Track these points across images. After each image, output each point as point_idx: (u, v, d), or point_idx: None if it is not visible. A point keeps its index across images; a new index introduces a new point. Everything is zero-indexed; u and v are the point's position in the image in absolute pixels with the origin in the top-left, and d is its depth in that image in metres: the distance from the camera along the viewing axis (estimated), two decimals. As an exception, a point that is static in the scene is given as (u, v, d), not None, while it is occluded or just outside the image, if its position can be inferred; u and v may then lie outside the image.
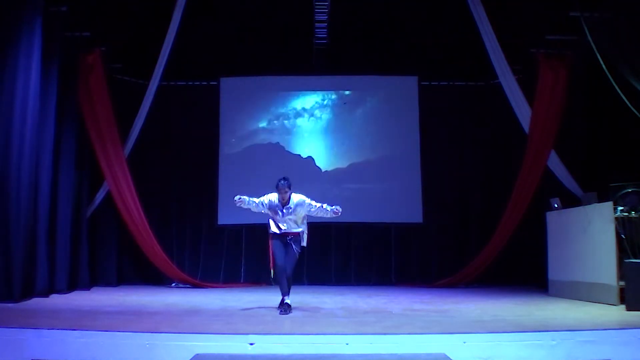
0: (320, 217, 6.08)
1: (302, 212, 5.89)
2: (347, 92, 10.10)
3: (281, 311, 5.63)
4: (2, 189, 6.40)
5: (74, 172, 8.10)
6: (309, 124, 10.04)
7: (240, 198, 5.80)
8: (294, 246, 5.86)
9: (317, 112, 10.06)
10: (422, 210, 9.77)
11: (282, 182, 5.79)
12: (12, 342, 4.11)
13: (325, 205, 5.91)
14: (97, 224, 8.73)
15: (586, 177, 7.89)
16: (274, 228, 5.95)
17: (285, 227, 5.86)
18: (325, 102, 10.10)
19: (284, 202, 5.83)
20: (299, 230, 5.94)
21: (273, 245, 5.93)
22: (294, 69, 9.99)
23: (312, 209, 5.90)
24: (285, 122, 10.00)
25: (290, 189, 5.83)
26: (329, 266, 9.71)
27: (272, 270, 5.95)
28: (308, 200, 5.89)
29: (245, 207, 5.89)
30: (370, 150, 10.00)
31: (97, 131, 8.21)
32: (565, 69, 8.14)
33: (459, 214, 9.73)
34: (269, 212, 5.94)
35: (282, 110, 10.06)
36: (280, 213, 5.84)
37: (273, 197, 5.89)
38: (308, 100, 10.09)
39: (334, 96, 10.13)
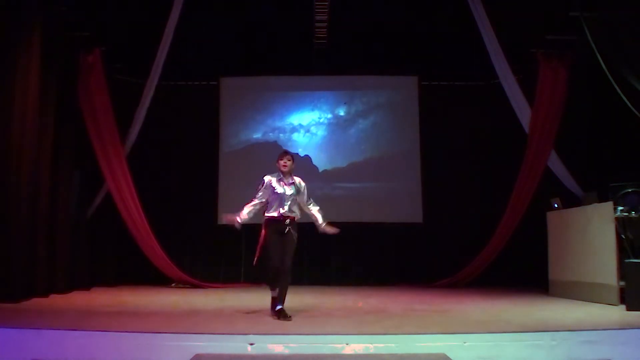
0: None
1: (301, 194, 5.52)
2: (342, 113, 10.08)
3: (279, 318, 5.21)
4: (2, 188, 6.40)
5: (74, 172, 8.11)
6: (305, 138, 10.02)
7: (240, 216, 5.42)
8: (293, 232, 5.39)
9: (313, 129, 10.07)
10: (422, 210, 9.78)
11: (284, 151, 5.59)
12: (12, 342, 4.11)
13: (317, 210, 5.57)
14: (97, 224, 8.72)
15: (586, 177, 7.88)
16: (271, 212, 5.41)
17: (285, 209, 5.38)
18: (321, 120, 10.09)
19: (286, 174, 5.45)
20: (297, 214, 5.51)
21: (268, 237, 5.39)
22: (294, 69, 9.98)
23: (305, 199, 5.55)
24: (281, 135, 9.97)
25: (293, 160, 5.50)
26: (329, 266, 9.71)
27: (255, 261, 5.41)
28: (305, 186, 5.57)
29: (251, 216, 5.47)
30: (370, 150, 10.00)
31: (97, 131, 8.20)
32: (565, 69, 8.15)
33: (459, 214, 9.72)
34: (268, 195, 5.42)
35: (279, 124, 10.03)
36: (281, 189, 5.39)
37: (271, 176, 5.48)
38: (305, 117, 10.07)
39: (330, 115, 10.10)
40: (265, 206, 5.51)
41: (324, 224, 5.58)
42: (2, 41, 6.54)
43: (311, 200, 5.63)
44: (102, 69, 8.24)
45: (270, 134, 9.97)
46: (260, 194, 5.47)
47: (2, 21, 6.54)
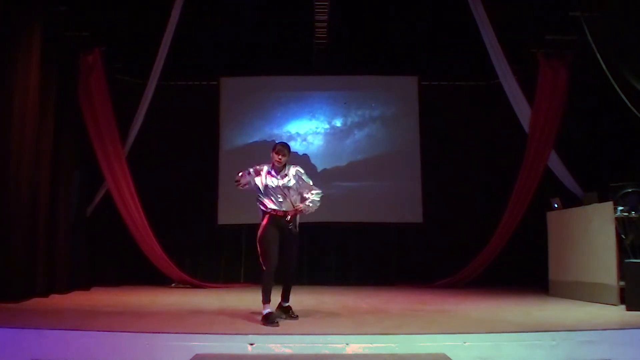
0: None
1: (299, 184, 5.21)
2: (338, 124, 10.06)
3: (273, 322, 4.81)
4: (2, 188, 6.40)
5: (74, 172, 8.11)
6: (301, 147, 9.97)
7: (241, 174, 5.10)
8: (295, 229, 5.14)
9: (309, 138, 10.05)
10: (422, 210, 9.78)
11: (279, 144, 5.20)
12: (12, 342, 4.11)
13: (312, 197, 5.18)
14: (97, 224, 8.72)
15: (586, 177, 7.88)
16: (270, 205, 5.12)
17: (285, 203, 5.12)
18: (318, 130, 10.08)
19: (279, 168, 5.15)
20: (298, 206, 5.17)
21: (266, 231, 5.05)
22: (294, 69, 9.99)
23: (306, 189, 5.21)
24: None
25: (289, 154, 5.18)
26: (329, 266, 9.71)
27: (264, 267, 5.01)
28: (304, 173, 5.24)
29: (244, 182, 5.12)
30: (370, 150, 9.99)
31: (97, 131, 8.20)
32: (565, 69, 8.15)
33: (459, 214, 9.72)
34: (259, 185, 5.14)
35: (276, 131, 10.01)
36: (275, 182, 5.10)
37: (264, 166, 5.20)
38: (303, 125, 10.04)
39: (327, 125, 10.08)
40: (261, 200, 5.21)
41: (301, 207, 5.15)
42: (2, 41, 6.54)
43: (315, 188, 5.27)
44: (102, 69, 8.24)
45: (267, 140, 9.95)
46: (247, 177, 5.15)
47: (2, 21, 6.54)
